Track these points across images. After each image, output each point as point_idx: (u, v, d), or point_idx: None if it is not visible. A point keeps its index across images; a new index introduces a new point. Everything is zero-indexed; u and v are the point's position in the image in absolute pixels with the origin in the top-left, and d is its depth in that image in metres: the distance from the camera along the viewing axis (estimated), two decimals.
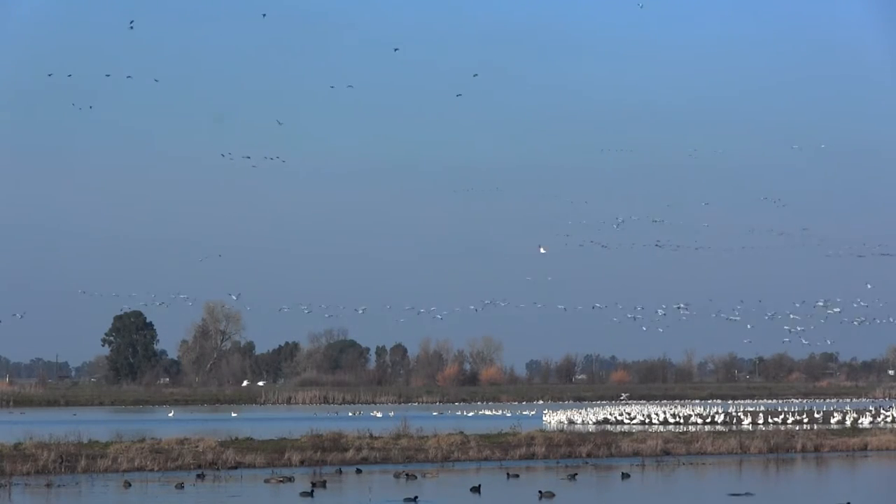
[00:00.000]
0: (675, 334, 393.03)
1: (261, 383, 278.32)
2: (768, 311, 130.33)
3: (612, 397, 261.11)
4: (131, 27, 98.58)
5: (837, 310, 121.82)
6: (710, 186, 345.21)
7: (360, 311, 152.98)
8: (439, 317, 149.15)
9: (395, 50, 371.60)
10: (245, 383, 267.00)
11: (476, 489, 69.16)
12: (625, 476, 78.52)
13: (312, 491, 68.23)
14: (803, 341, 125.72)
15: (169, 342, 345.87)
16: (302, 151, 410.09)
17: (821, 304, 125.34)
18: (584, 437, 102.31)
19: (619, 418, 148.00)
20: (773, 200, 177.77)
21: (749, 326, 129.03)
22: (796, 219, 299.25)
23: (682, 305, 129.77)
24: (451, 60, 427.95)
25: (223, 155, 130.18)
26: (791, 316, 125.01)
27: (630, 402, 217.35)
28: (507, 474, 78.51)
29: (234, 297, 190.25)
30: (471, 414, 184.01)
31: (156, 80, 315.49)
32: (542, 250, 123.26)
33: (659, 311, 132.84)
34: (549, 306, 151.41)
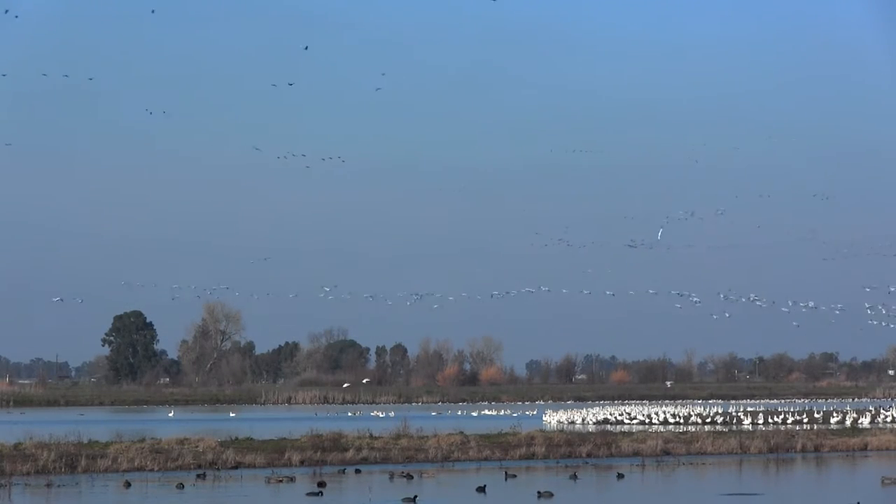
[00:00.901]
0: (676, 334, 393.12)
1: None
2: (840, 302, 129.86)
3: (614, 397, 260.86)
4: (7, 13, 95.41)
5: None
6: (710, 186, 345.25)
7: (410, 302, 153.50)
8: (492, 295, 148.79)
9: (305, 48, 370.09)
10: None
11: (482, 489, 69.11)
12: (620, 476, 78.47)
13: (321, 491, 68.13)
14: None
15: (169, 342, 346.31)
16: (301, 151, 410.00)
17: (893, 289, 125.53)
18: (584, 437, 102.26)
19: (619, 418, 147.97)
20: (823, 198, 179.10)
21: (835, 318, 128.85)
22: (797, 218, 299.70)
23: (754, 296, 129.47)
24: (451, 60, 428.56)
25: (279, 157, 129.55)
26: (878, 306, 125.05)
27: (690, 402, 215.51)
28: (506, 474, 78.39)
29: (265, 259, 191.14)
30: (475, 414, 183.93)
31: (90, 79, 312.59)
32: (662, 228, 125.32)
33: (721, 294, 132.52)
34: (596, 294, 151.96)
